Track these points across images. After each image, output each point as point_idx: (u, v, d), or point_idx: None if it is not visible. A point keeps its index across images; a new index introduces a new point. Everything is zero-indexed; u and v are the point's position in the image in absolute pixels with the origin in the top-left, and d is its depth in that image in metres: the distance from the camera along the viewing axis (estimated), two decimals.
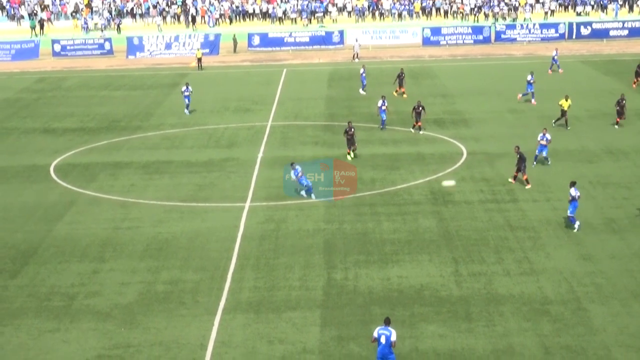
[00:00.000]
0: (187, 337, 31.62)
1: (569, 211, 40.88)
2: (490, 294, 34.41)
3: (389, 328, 28.08)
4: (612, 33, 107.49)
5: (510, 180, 47.99)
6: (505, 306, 33.33)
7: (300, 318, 32.81)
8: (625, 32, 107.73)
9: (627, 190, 46.75)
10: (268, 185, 49.10)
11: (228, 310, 33.67)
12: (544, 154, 51.27)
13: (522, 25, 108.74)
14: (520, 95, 71.07)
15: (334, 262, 38.00)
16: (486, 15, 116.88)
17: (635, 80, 75.23)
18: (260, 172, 52.15)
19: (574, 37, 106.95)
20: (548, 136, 51.01)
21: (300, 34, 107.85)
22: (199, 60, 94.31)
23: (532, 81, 70.19)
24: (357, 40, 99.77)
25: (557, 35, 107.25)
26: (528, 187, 46.99)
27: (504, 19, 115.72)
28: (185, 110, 69.58)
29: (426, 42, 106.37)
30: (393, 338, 27.87)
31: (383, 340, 27.88)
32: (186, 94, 69.32)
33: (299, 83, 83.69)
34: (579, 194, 40.78)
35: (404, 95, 73.25)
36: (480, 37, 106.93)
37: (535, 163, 50.93)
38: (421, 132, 60.31)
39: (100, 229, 42.98)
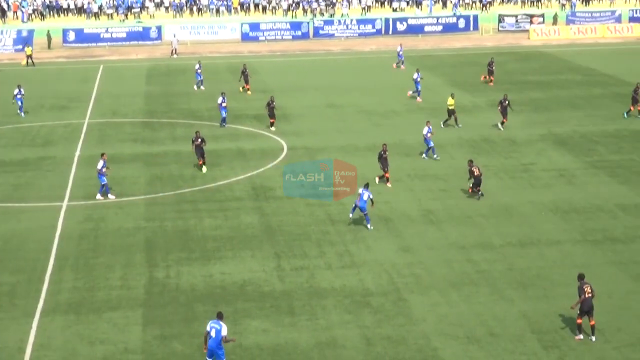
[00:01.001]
0: (4, 340, 30.66)
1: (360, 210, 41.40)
2: (313, 288, 34.64)
3: (220, 322, 27.90)
4: (426, 29, 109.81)
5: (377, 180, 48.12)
6: (327, 299, 33.60)
7: (122, 318, 32.27)
8: (440, 27, 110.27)
9: (443, 182, 47.84)
10: (86, 184, 48.07)
11: (47, 312, 32.81)
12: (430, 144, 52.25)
13: (339, 21, 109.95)
14: (410, 92, 70.72)
15: (155, 261, 37.53)
16: (305, 11, 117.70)
17: (486, 77, 76.93)
18: (77, 171, 51.04)
19: (390, 32, 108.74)
20: (431, 128, 52.40)
21: (117, 30, 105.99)
22: (29, 57, 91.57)
23: (418, 79, 69.69)
24: (175, 36, 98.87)
25: (374, 30, 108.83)
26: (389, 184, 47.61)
27: (322, 14, 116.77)
28: (20, 113, 65.81)
29: (245, 37, 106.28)
30: (223, 332, 27.70)
31: (213, 333, 27.69)
32: (19, 96, 65.62)
33: (116, 79, 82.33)
34: (370, 195, 41.15)
35: (248, 92, 72.87)
36: (299, 33, 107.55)
37: (435, 156, 52.16)
38: (272, 129, 60.12)
39: None
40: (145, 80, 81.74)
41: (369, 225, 40.81)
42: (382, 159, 47.60)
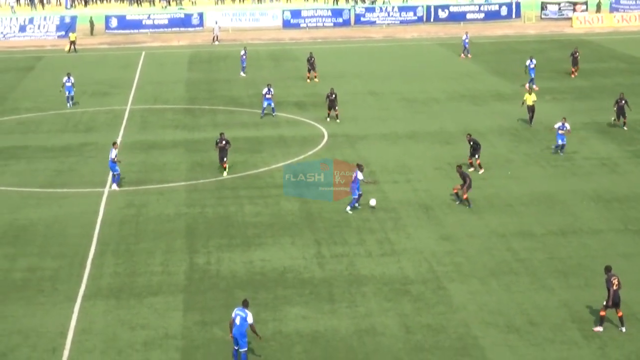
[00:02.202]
0: (46, 325, 30.92)
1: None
2: (353, 275, 34.63)
3: (246, 310, 27.96)
4: (468, 16, 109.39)
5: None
6: (367, 287, 33.59)
7: (163, 303, 32.45)
8: (482, 15, 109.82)
9: (484, 170, 47.57)
10: (128, 170, 48.33)
11: (88, 297, 33.07)
12: (561, 142, 50.07)
13: (381, 8, 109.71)
14: (527, 84, 68.05)
15: (196, 247, 37.69)
16: None
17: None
18: (119, 157, 51.18)
19: (432, 20, 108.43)
20: (567, 125, 49.88)
21: (159, 16, 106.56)
22: (73, 43, 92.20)
23: (532, 66, 68.34)
24: (216, 23, 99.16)
25: (416, 18, 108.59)
26: (481, 171, 47.07)
27: (364, 1, 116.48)
28: (68, 103, 64.54)
29: (286, 24, 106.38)
30: (249, 320, 27.76)
31: (238, 321, 27.76)
32: (68, 84, 63.86)
33: (158, 66, 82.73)
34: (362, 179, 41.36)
35: (316, 80, 72.50)
36: (340, 20, 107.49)
37: (561, 153, 50.17)
38: (337, 121, 58.64)
39: None
40: (187, 66, 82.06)
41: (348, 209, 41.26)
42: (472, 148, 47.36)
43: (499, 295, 32.66)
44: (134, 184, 46.04)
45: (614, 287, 29.78)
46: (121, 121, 60.34)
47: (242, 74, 76.33)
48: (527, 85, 67.48)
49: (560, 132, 49.77)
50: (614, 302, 29.83)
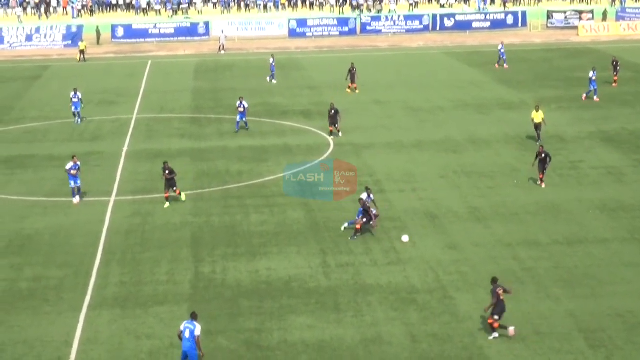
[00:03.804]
0: (51, 334, 30.92)
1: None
2: (358, 285, 34.60)
3: (194, 322, 27.84)
4: (474, 25, 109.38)
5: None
6: (373, 296, 33.56)
7: (168, 313, 32.44)
8: (488, 24, 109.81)
9: (490, 179, 47.59)
10: (134, 179, 48.43)
11: (93, 306, 33.07)
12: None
13: (387, 17, 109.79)
14: (584, 95, 67.50)
15: (201, 256, 37.69)
16: (352, 7, 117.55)
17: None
18: (125, 166, 51.42)
19: (437, 28, 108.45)
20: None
21: (165, 26, 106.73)
22: (82, 52, 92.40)
23: (594, 78, 67.05)
24: (223, 32, 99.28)
25: (422, 27, 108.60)
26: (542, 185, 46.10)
27: (369, 10, 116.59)
28: (76, 120, 62.58)
29: (292, 33, 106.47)
30: (197, 332, 27.64)
31: (187, 334, 27.64)
32: (75, 100, 61.80)
33: (164, 75, 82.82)
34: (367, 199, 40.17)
35: (357, 91, 71.72)
36: (346, 29, 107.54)
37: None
38: (339, 135, 56.91)
39: None
40: (193, 75, 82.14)
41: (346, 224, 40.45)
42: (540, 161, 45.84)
43: (505, 305, 32.56)
44: (140, 192, 46.07)
45: (500, 297, 29.91)
46: (127, 130, 60.40)
47: (273, 81, 77.04)
48: (584, 95, 67.15)
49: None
50: (501, 310, 29.93)
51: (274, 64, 77.76)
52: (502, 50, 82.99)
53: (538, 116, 53.76)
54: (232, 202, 44.72)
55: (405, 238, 38.87)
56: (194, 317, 28.15)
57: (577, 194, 45.02)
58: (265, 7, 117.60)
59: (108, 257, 37.72)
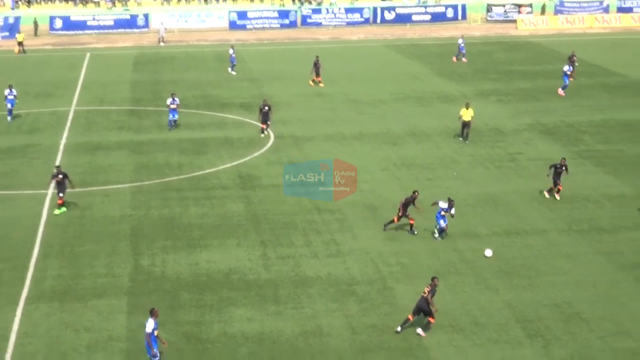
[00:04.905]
0: None
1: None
2: (299, 277, 34.60)
3: (150, 319, 27.60)
4: (415, 18, 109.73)
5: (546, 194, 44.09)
6: (313, 288, 33.58)
7: (107, 306, 32.19)
8: (428, 17, 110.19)
9: (429, 171, 47.84)
10: (72, 172, 47.74)
11: (31, 300, 32.71)
12: None
13: (327, 10, 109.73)
14: (560, 90, 67.44)
15: (140, 249, 37.45)
16: (292, 0, 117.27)
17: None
18: (63, 158, 50.86)
19: (378, 21, 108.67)
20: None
21: (104, 17, 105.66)
22: (20, 44, 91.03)
23: (568, 72, 67.50)
24: (162, 24, 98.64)
25: (363, 19, 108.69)
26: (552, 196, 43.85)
27: (310, 3, 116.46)
28: (9, 117, 60.15)
29: (233, 26, 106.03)
30: (147, 329, 27.41)
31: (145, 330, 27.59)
32: (10, 97, 59.72)
33: (103, 67, 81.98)
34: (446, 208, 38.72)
35: (321, 84, 71.36)
36: (287, 21, 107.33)
37: None
38: (269, 133, 55.35)
39: None
40: (132, 68, 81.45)
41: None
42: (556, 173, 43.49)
43: (444, 296, 32.75)
44: (78, 185, 45.56)
45: (423, 295, 30.01)
46: (65, 122, 59.73)
47: (232, 72, 77.07)
48: (560, 90, 67.44)
49: None
50: (418, 308, 30.04)
51: (234, 55, 77.60)
52: (462, 44, 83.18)
53: (467, 114, 53.10)
54: (171, 194, 44.47)
55: (488, 252, 36.64)
56: (150, 313, 27.82)
57: (515, 186, 45.41)
58: None
59: (46, 250, 37.33)
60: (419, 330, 30.09)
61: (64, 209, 42.11)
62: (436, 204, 38.54)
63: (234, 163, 49.56)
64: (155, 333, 27.50)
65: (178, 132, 55.84)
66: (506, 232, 39.00)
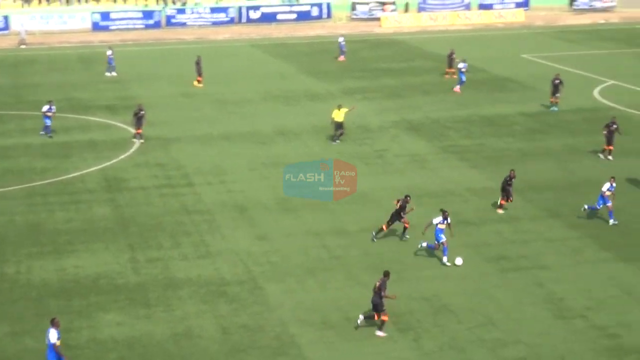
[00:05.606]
0: None
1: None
2: (168, 279, 34.30)
3: (51, 329, 26.85)
4: (280, 17, 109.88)
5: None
6: (183, 290, 33.33)
7: None
8: (294, 15, 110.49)
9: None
10: None
11: None
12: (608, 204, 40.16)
13: (192, 10, 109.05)
14: (457, 87, 67.55)
15: (5, 256, 36.59)
16: (157, 0, 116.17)
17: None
18: None
19: (244, 21, 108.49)
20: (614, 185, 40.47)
21: None
22: None
23: (463, 70, 67.30)
24: (22, 26, 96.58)
25: (228, 19, 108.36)
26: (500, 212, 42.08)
27: (174, 3, 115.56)
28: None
29: (96, 27, 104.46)
30: (51, 339, 26.59)
31: (46, 340, 26.89)
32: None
33: None
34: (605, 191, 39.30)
35: (200, 85, 70.10)
36: (151, 22, 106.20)
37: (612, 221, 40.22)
38: (142, 141, 53.23)
39: None
40: None
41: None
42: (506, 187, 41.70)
43: (315, 293, 32.94)
44: None
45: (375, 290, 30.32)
46: None
47: (112, 73, 75.58)
48: (457, 87, 67.86)
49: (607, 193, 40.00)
50: (374, 305, 30.28)
51: (112, 56, 76.13)
52: (343, 43, 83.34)
53: (340, 115, 52.79)
54: (36, 199, 43.57)
55: (459, 261, 35.79)
56: (51, 323, 26.92)
57: (383, 182, 45.86)
58: (67, 0, 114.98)
59: None
60: (378, 332, 30.09)
61: None
62: (430, 224, 36.62)
63: (100, 166, 48.83)
64: (58, 342, 26.68)
65: (42, 137, 54.66)
66: (375, 228, 39.26)
